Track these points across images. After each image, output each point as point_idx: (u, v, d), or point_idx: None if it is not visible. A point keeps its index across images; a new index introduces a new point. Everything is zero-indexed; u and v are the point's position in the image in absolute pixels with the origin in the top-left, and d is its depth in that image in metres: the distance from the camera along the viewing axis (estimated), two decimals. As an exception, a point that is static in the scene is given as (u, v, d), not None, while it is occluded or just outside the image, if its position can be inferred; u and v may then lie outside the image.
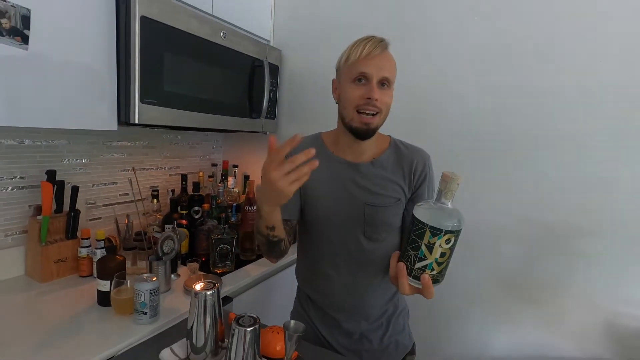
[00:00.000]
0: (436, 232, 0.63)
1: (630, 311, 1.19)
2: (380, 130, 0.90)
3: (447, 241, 0.64)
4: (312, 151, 0.64)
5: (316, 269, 0.98)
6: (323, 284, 0.97)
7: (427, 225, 0.64)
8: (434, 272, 0.66)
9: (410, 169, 0.91)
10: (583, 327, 1.25)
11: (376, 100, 0.81)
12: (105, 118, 1.08)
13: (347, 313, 0.96)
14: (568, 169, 1.24)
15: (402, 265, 0.68)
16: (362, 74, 0.82)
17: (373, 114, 0.82)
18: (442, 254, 0.65)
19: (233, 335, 0.75)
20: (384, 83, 0.82)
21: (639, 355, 1.18)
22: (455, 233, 0.64)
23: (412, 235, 0.66)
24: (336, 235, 0.92)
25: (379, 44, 0.82)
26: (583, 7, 1.18)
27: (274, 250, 0.88)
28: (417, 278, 0.67)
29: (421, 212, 0.66)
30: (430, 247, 0.64)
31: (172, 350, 0.83)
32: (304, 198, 0.94)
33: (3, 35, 0.83)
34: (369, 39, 0.83)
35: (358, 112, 0.83)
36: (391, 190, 0.90)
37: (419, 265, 0.66)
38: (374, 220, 0.89)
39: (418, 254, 0.66)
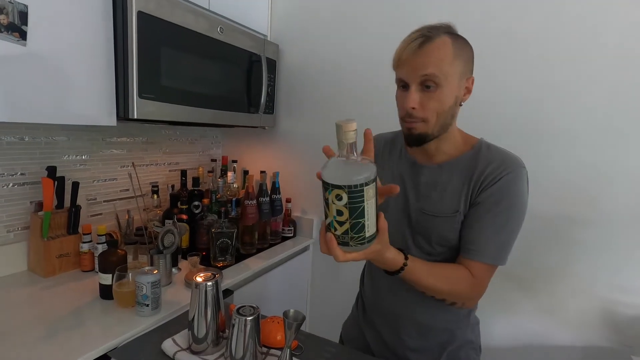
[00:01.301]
0: (325, 185, 0.57)
1: (626, 299, 1.20)
2: (471, 132, 0.83)
3: (338, 197, 0.55)
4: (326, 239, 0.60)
5: (369, 266, 0.97)
6: (372, 286, 0.94)
7: (321, 179, 0.58)
8: (338, 233, 0.58)
9: (482, 173, 0.76)
10: (580, 316, 1.26)
11: (413, 109, 0.72)
12: (104, 113, 1.08)
13: (389, 320, 0.90)
14: (564, 159, 1.25)
15: (330, 236, 0.59)
16: (401, 80, 0.75)
17: (417, 121, 0.74)
18: (339, 212, 0.56)
19: (234, 325, 0.76)
20: (428, 85, 0.71)
21: (635, 342, 1.20)
22: (345, 189, 0.54)
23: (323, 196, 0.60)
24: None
25: (413, 42, 0.71)
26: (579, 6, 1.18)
27: None
28: (345, 244, 0.60)
29: (323, 165, 0.59)
30: (327, 203, 0.58)
31: (174, 340, 0.84)
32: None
33: (1, 32, 0.84)
34: (407, 38, 0.73)
35: (404, 122, 0.77)
36: (450, 199, 0.78)
37: (327, 223, 0.60)
38: (425, 229, 0.81)
39: (325, 211, 0.60)
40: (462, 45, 0.74)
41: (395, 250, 0.68)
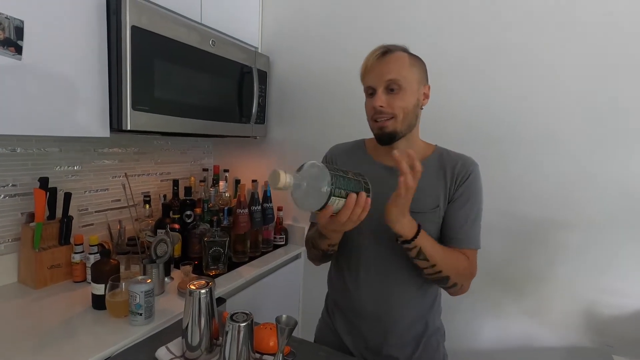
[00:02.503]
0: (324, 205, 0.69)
1: (608, 300, 1.25)
2: (427, 139, 0.95)
3: (332, 201, 0.69)
4: (364, 200, 0.71)
5: (345, 272, 0.96)
6: (350, 287, 0.95)
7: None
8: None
9: (453, 172, 0.88)
10: (564, 317, 1.31)
11: (381, 107, 0.83)
12: (97, 125, 1.10)
13: (371, 322, 0.93)
14: (549, 165, 1.30)
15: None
16: (368, 87, 0.87)
17: (386, 119, 0.84)
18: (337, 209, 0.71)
19: (227, 332, 0.78)
20: (392, 88, 0.83)
21: (616, 342, 1.24)
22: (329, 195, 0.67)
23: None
24: (368, 238, 0.90)
25: (376, 54, 0.85)
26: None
27: (324, 259, 0.97)
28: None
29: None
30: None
31: (167, 348, 0.85)
32: None
33: (-3, 46, 0.85)
34: (370, 52, 0.86)
35: (374, 120, 0.87)
36: (428, 196, 0.87)
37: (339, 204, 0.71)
38: None
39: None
40: (415, 58, 0.88)
41: (411, 218, 0.78)
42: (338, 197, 0.67)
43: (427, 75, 0.90)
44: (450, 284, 0.86)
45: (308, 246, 0.97)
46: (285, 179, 0.64)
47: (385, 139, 0.87)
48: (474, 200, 0.88)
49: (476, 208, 0.89)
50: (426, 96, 0.89)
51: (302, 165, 0.70)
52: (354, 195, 0.70)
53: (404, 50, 0.87)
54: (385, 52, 0.84)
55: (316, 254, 0.94)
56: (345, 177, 0.71)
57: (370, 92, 0.87)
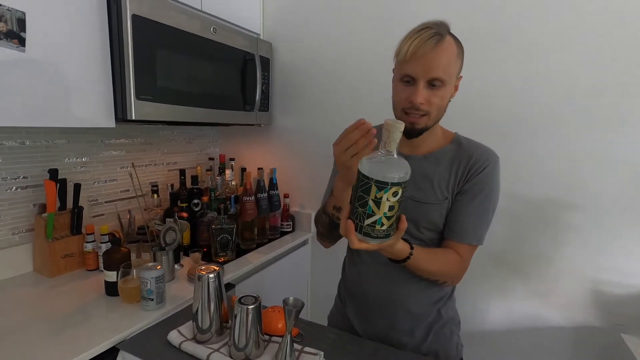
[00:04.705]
0: (382, 185, 0.59)
1: (615, 279, 1.24)
2: (462, 123, 0.89)
3: (395, 194, 0.59)
4: (366, 125, 0.65)
5: (356, 258, 0.97)
6: (359, 274, 0.96)
7: (373, 179, 0.59)
8: (384, 227, 0.62)
9: (467, 164, 0.83)
10: (571, 297, 1.31)
11: (421, 104, 0.76)
12: (102, 116, 1.11)
13: (380, 308, 0.93)
14: (554, 146, 1.28)
15: (350, 223, 0.64)
16: (407, 75, 0.76)
17: (420, 115, 0.77)
18: (391, 208, 0.60)
19: (236, 315, 0.80)
20: (435, 84, 0.75)
21: (625, 321, 1.24)
22: (402, 185, 0.59)
23: (359, 192, 0.62)
24: None
25: (429, 39, 0.72)
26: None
27: (333, 233, 0.89)
28: (368, 235, 0.63)
29: (366, 166, 0.61)
30: (378, 202, 0.60)
31: (179, 331, 0.88)
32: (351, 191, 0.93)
33: (1, 39, 0.86)
34: (419, 33, 0.73)
35: (405, 112, 0.79)
36: (438, 187, 0.84)
37: (368, 221, 0.62)
38: (415, 216, 0.85)
39: (366, 210, 0.61)
40: (461, 46, 0.79)
41: (402, 240, 0.72)
42: (386, 194, 0.59)
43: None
44: (440, 282, 0.87)
45: (318, 217, 0.92)
46: (402, 130, 0.60)
47: (415, 134, 0.81)
48: (486, 195, 0.83)
49: (486, 203, 0.84)
50: (457, 89, 0.82)
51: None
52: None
53: (450, 32, 0.76)
54: (440, 39, 0.73)
55: (324, 220, 0.88)
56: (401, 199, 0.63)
57: (407, 80, 0.76)
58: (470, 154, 0.84)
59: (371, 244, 0.64)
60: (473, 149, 0.85)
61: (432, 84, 0.75)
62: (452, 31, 0.77)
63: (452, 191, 0.85)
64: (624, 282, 1.23)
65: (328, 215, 0.85)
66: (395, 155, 0.61)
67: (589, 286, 1.28)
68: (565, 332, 1.33)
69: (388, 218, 0.61)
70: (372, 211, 0.61)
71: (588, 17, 1.19)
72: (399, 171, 0.60)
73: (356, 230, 0.64)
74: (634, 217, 1.20)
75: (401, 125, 0.59)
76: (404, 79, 0.77)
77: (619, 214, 1.22)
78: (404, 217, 0.65)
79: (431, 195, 0.85)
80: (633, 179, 1.19)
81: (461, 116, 1.37)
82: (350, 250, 1.03)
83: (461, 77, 0.82)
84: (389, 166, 0.60)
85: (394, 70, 0.83)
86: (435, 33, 0.73)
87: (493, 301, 1.43)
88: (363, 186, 0.61)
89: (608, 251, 1.24)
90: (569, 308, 1.31)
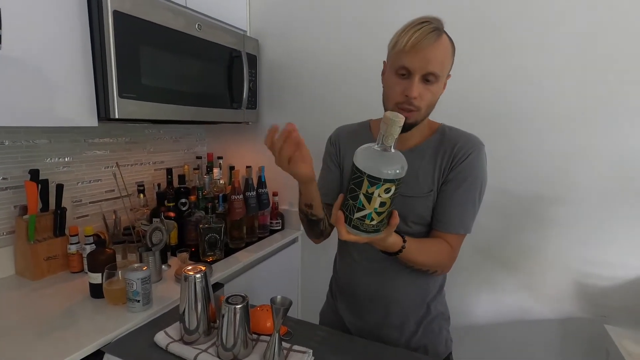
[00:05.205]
0: (374, 181, 0.58)
1: (599, 271, 1.27)
2: (449, 119, 0.89)
3: (387, 190, 0.58)
4: (285, 130, 0.67)
5: (345, 253, 0.98)
6: (350, 269, 0.96)
7: (365, 174, 0.58)
8: (374, 222, 0.61)
9: (451, 153, 0.83)
10: (557, 290, 1.33)
11: (414, 98, 0.75)
12: (84, 114, 1.09)
13: (370, 303, 0.93)
14: (541, 141, 1.30)
15: (340, 214, 0.63)
16: (404, 67, 0.75)
17: (412, 110, 0.77)
18: (382, 204, 0.59)
19: (223, 315, 0.79)
20: (429, 79, 0.75)
21: (608, 312, 1.27)
22: (396, 182, 0.58)
23: (351, 184, 0.61)
24: None
25: (430, 33, 0.72)
26: None
27: (313, 229, 0.91)
28: (357, 228, 0.62)
29: (360, 159, 0.60)
30: (369, 197, 0.59)
31: (166, 333, 0.86)
32: (344, 182, 0.93)
33: (-25, 35, 0.83)
34: (419, 25, 0.72)
35: (398, 107, 0.78)
36: (423, 180, 0.84)
37: (357, 215, 0.61)
38: (402, 210, 0.82)
39: (357, 203, 0.60)
40: (453, 45, 0.79)
41: (394, 233, 0.72)
42: (378, 190, 0.58)
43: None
44: (431, 272, 0.87)
45: (300, 215, 0.92)
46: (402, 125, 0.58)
47: (404, 129, 0.79)
48: (471, 183, 0.83)
49: (472, 191, 0.84)
50: (445, 87, 0.81)
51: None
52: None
53: (443, 29, 0.76)
54: (439, 34, 0.73)
55: (302, 218, 0.89)
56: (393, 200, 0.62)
57: (403, 73, 0.75)
58: (454, 142, 0.84)
59: (360, 237, 0.64)
60: (456, 137, 0.85)
61: (426, 79, 0.75)
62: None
63: (438, 182, 0.85)
64: (607, 274, 1.26)
65: (303, 213, 0.86)
66: (392, 150, 0.60)
67: (574, 278, 1.30)
68: (552, 324, 1.35)
69: (379, 214, 0.61)
70: (363, 205, 0.60)
71: (585, 11, 1.20)
72: (393, 167, 0.58)
73: (346, 222, 0.63)
74: (616, 210, 1.23)
75: (400, 120, 0.57)
76: (400, 72, 0.76)
77: (602, 207, 1.24)
78: (396, 213, 0.65)
79: (417, 189, 0.85)
80: (616, 173, 1.22)
81: (447, 111, 1.38)
82: (340, 246, 1.02)
83: (450, 75, 0.82)
84: (384, 161, 0.59)
85: (385, 62, 0.83)
86: (435, 28, 0.73)
87: (481, 295, 1.45)
88: (355, 179, 0.60)
89: (591, 243, 1.27)
90: (556, 300, 1.34)
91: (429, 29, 0.72)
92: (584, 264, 1.29)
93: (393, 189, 0.59)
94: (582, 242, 1.28)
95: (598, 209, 1.25)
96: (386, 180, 0.58)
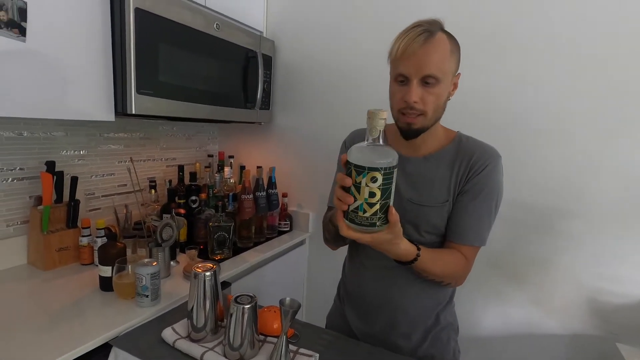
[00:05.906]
0: (360, 170, 0.61)
1: (611, 288, 1.24)
2: (463, 127, 0.88)
3: (373, 179, 0.60)
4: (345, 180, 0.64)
5: (355, 258, 0.97)
6: (359, 274, 0.96)
7: (352, 164, 0.62)
8: (367, 214, 0.62)
9: (468, 163, 0.82)
10: (567, 305, 1.30)
11: (415, 102, 0.75)
12: (102, 109, 1.10)
13: (378, 309, 0.93)
14: (554, 153, 1.28)
15: (340, 210, 0.66)
16: (400, 74, 0.76)
17: (416, 115, 0.76)
18: (371, 194, 0.61)
19: (231, 314, 0.79)
20: (429, 82, 0.74)
21: (620, 330, 1.24)
22: (381, 170, 0.60)
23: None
24: None
25: (418, 37, 0.72)
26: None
27: (338, 242, 0.93)
28: (352, 221, 0.64)
29: (351, 153, 0.63)
30: (358, 187, 0.61)
31: (173, 329, 0.87)
32: None
33: (1, 28, 0.85)
34: (409, 31, 0.73)
35: (402, 113, 0.78)
36: (438, 190, 0.83)
37: (352, 207, 0.63)
38: (415, 219, 0.84)
39: (350, 194, 0.63)
40: (455, 43, 0.78)
41: (407, 241, 0.72)
42: (364, 178, 0.61)
43: (459, 62, 0.80)
44: (445, 284, 0.86)
45: (324, 226, 0.93)
46: (384, 117, 0.62)
47: (412, 135, 0.80)
48: (487, 194, 0.82)
49: (488, 203, 0.83)
50: (455, 86, 0.81)
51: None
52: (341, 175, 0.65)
53: (443, 29, 0.75)
54: (429, 35, 0.72)
55: (331, 230, 0.89)
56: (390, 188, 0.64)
57: (401, 80, 0.76)
58: (471, 153, 0.83)
59: (361, 235, 0.65)
60: (474, 148, 0.84)
61: (425, 81, 0.74)
62: (453, 31, 0.77)
63: (453, 192, 0.84)
64: (620, 291, 1.23)
65: (335, 226, 0.83)
66: (380, 143, 0.63)
67: (585, 294, 1.28)
68: (561, 340, 1.33)
69: (370, 205, 0.62)
70: (354, 196, 0.63)
71: (594, 24, 1.19)
72: (377, 157, 0.61)
73: (344, 216, 0.66)
74: (632, 225, 1.20)
75: (382, 113, 0.62)
76: (398, 79, 0.77)
77: (618, 222, 1.22)
78: (393, 208, 0.64)
79: (431, 198, 0.84)
80: (632, 188, 1.19)
81: (460, 120, 1.37)
82: (350, 250, 1.02)
83: (459, 74, 0.81)
84: (368, 152, 0.62)
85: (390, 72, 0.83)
86: (425, 30, 0.72)
87: (488, 306, 1.43)
88: (347, 171, 0.64)
89: (604, 259, 1.24)
90: (565, 315, 1.31)
91: (417, 32, 0.72)
92: (595, 280, 1.26)
93: (380, 178, 0.61)
94: (594, 257, 1.25)
95: (612, 224, 1.22)
96: (370, 169, 0.60)
